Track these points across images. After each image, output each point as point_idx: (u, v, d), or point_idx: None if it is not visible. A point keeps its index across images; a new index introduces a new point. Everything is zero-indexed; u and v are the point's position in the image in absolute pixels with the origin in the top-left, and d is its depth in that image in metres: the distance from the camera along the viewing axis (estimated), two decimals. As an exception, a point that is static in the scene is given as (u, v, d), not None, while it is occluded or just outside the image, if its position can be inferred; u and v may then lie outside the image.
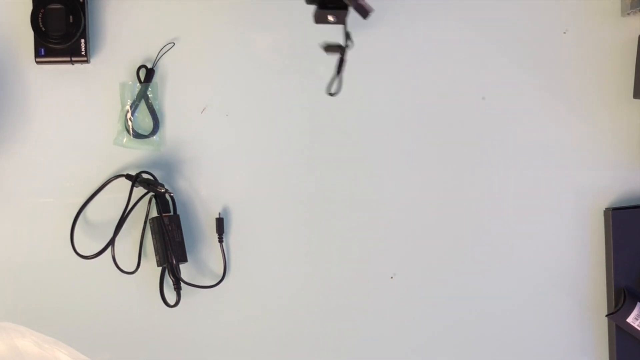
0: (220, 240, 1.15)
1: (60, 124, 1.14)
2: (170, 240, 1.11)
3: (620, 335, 1.15)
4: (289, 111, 1.16)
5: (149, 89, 1.14)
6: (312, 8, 0.98)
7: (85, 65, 1.14)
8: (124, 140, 1.14)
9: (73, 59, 1.12)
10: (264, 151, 1.16)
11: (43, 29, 1.10)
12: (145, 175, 1.13)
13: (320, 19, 0.99)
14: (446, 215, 1.17)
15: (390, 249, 1.17)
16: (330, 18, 0.98)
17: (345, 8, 0.98)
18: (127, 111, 1.13)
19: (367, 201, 1.16)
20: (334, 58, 0.99)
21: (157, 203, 1.13)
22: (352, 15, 0.95)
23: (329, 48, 1.00)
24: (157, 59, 1.14)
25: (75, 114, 1.15)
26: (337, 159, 1.16)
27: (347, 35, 1.00)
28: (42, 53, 1.12)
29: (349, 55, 1.00)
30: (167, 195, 1.13)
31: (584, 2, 1.17)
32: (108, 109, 1.14)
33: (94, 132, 1.14)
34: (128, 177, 1.12)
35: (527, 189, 1.17)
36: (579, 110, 1.17)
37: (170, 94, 1.15)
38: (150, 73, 1.14)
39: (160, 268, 1.13)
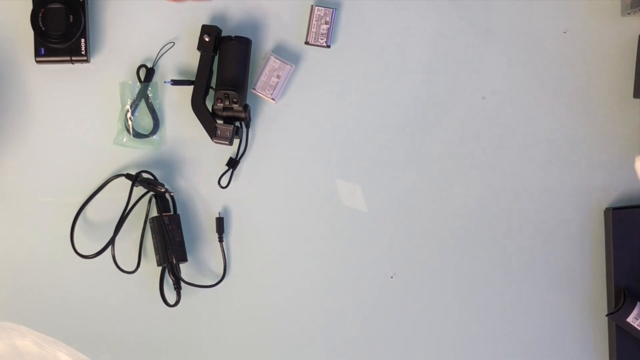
0: (221, 240, 1.15)
1: (60, 124, 1.15)
2: (170, 239, 1.11)
3: (620, 335, 1.15)
4: (288, 109, 1.16)
5: (149, 88, 1.14)
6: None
7: (85, 65, 1.14)
8: (124, 139, 1.14)
9: (73, 58, 1.12)
10: (264, 151, 1.16)
11: (43, 29, 1.10)
12: (145, 175, 1.13)
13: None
14: (446, 215, 1.17)
15: (390, 248, 1.17)
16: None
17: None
18: (127, 111, 1.14)
19: (367, 201, 1.16)
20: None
21: (157, 202, 1.13)
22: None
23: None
24: (157, 58, 1.14)
25: (75, 114, 1.15)
26: (336, 159, 1.16)
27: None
28: (42, 52, 1.12)
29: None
30: (167, 195, 1.13)
31: (584, 2, 1.17)
32: (108, 109, 1.14)
33: (94, 132, 1.15)
34: (128, 176, 1.12)
35: (527, 189, 1.17)
36: (579, 110, 1.17)
37: (171, 93, 1.15)
38: (150, 72, 1.14)
39: (160, 268, 1.13)
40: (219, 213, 1.15)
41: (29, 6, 1.11)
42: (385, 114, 1.16)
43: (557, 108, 1.17)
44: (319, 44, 1.14)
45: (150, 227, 1.13)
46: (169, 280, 1.14)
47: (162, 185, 1.13)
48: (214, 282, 1.15)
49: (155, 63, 1.14)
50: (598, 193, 1.18)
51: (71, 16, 1.10)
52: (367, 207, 1.17)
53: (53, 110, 1.14)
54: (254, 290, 1.16)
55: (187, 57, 1.14)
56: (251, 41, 1.13)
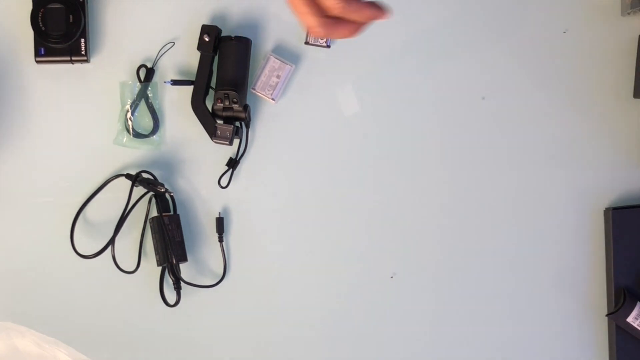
0: (220, 240, 1.15)
1: (60, 124, 1.15)
2: (170, 239, 1.11)
3: (620, 335, 1.15)
4: (288, 109, 1.16)
5: (149, 88, 1.14)
6: None
7: (85, 65, 1.14)
8: (124, 139, 1.14)
9: (73, 58, 1.12)
10: (264, 151, 1.16)
11: (43, 29, 1.10)
12: (145, 175, 1.13)
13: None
14: (446, 215, 1.17)
15: (390, 249, 1.17)
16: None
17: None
18: (127, 111, 1.14)
19: (367, 201, 1.16)
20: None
21: (157, 202, 1.13)
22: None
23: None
24: (157, 58, 1.14)
25: (75, 114, 1.15)
26: (336, 159, 1.16)
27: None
28: (42, 52, 1.12)
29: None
30: (167, 195, 1.13)
31: (584, 2, 1.17)
32: (108, 109, 1.14)
33: (94, 132, 1.15)
34: (128, 176, 1.12)
35: (527, 189, 1.17)
36: (579, 110, 1.17)
37: (170, 93, 1.15)
38: (150, 72, 1.14)
39: (160, 268, 1.13)
40: (219, 213, 1.15)
41: (28, 6, 1.11)
42: (384, 114, 1.16)
43: (557, 108, 1.17)
44: (319, 44, 1.14)
45: (150, 227, 1.13)
46: (169, 280, 1.14)
47: (162, 185, 1.13)
48: (214, 282, 1.15)
49: (155, 63, 1.14)
50: (598, 193, 1.18)
51: (71, 16, 1.10)
52: (367, 208, 1.17)
53: (53, 110, 1.14)
54: (254, 290, 1.16)
55: (187, 57, 1.14)
56: (251, 41, 1.13)
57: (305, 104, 1.16)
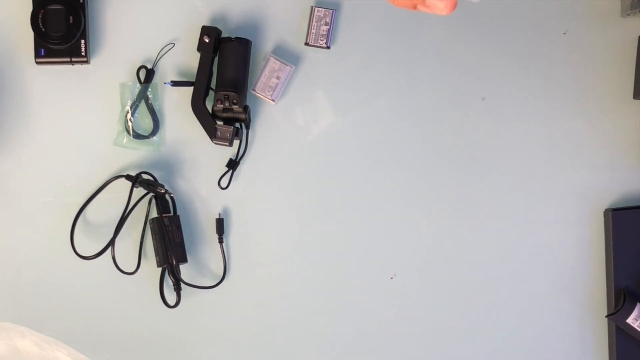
0: (221, 241, 1.15)
1: (61, 125, 1.15)
2: (170, 240, 1.12)
3: (620, 335, 1.15)
4: (288, 110, 1.16)
5: (149, 89, 1.14)
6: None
7: (85, 66, 1.14)
8: (124, 140, 1.14)
9: (73, 59, 1.12)
10: (264, 152, 1.16)
11: (43, 30, 1.10)
12: (145, 176, 1.13)
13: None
14: (446, 216, 1.17)
15: (390, 249, 1.17)
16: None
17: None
18: (127, 112, 1.13)
19: (367, 201, 1.17)
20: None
21: (157, 203, 1.13)
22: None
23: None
24: (157, 59, 1.14)
25: (75, 115, 1.15)
26: (336, 159, 1.16)
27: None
28: (42, 53, 1.12)
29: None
30: (167, 196, 1.13)
31: (584, 3, 1.17)
32: (108, 110, 1.14)
33: (94, 133, 1.15)
34: (128, 177, 1.12)
35: (527, 189, 1.17)
36: (579, 110, 1.17)
37: (170, 94, 1.15)
38: (150, 73, 1.14)
39: (160, 269, 1.13)
40: (219, 214, 1.15)
41: (29, 7, 1.11)
42: (384, 114, 1.16)
43: (557, 108, 1.17)
44: (318, 45, 1.14)
45: (150, 228, 1.13)
46: (169, 281, 1.14)
47: (162, 186, 1.13)
48: (214, 283, 1.15)
49: (155, 64, 1.14)
50: (598, 193, 1.18)
51: (71, 17, 1.10)
52: (367, 208, 1.17)
53: (53, 111, 1.14)
54: (253, 291, 1.17)
55: (187, 58, 1.14)
56: (251, 42, 1.13)
57: (305, 105, 1.16)
